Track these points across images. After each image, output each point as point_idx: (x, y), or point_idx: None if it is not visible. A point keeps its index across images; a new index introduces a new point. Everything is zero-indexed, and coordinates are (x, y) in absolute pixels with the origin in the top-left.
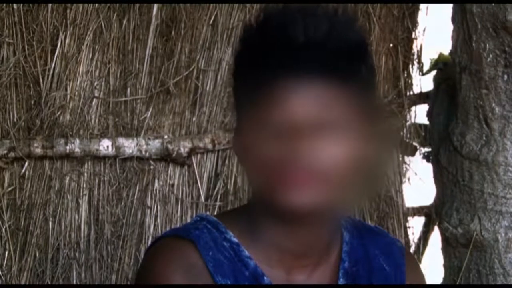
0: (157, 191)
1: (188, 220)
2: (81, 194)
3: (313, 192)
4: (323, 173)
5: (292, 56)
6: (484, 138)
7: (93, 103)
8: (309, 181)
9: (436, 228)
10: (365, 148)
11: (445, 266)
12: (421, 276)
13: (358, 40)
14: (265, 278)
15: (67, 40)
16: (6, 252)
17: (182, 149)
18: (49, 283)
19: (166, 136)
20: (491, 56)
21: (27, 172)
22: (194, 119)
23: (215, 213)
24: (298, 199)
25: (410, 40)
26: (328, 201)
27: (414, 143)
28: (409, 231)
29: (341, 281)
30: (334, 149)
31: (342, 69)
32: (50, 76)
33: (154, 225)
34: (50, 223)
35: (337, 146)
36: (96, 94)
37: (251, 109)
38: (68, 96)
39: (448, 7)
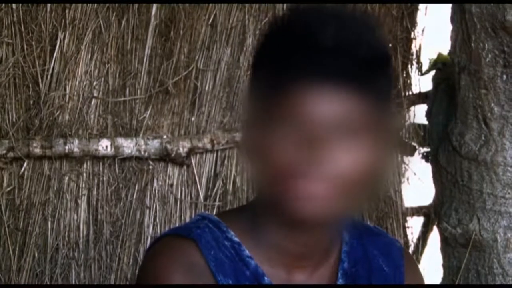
0: (156, 191)
1: (187, 220)
2: (80, 194)
3: (327, 203)
4: (339, 182)
5: (319, 60)
6: (483, 138)
7: (92, 103)
8: (324, 191)
9: (435, 228)
10: (378, 156)
11: (444, 266)
12: (420, 277)
13: (383, 51)
14: (266, 278)
15: (66, 40)
16: (5, 252)
17: (181, 149)
18: (48, 283)
19: (165, 136)
20: (490, 56)
21: (26, 172)
22: (193, 119)
23: (214, 213)
24: (311, 210)
25: (409, 40)
26: (341, 211)
27: (413, 143)
28: (408, 231)
29: (340, 282)
30: (352, 157)
31: (366, 78)
32: (49, 76)
33: (153, 225)
34: (49, 223)
35: (354, 155)
36: (95, 94)
37: (268, 106)
38: (67, 96)
39: (447, 7)
